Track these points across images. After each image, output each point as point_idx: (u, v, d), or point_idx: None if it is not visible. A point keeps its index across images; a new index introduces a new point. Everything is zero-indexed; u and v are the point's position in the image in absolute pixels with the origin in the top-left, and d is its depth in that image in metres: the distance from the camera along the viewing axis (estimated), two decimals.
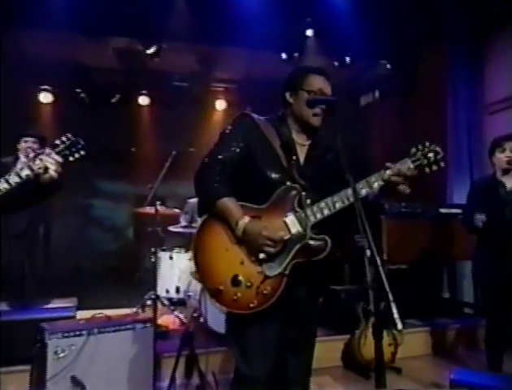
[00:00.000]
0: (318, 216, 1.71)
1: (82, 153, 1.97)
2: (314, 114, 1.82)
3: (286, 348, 1.83)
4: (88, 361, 2.66)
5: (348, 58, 6.21)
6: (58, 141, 1.91)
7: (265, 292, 1.65)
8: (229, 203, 1.69)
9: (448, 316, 4.37)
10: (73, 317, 3.01)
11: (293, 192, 1.73)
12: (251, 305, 1.65)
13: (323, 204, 1.72)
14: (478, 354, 3.77)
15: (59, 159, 1.90)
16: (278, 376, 1.85)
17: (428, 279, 4.37)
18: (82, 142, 1.98)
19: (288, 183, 1.75)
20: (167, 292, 3.97)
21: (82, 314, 3.05)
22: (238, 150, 1.78)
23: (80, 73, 6.51)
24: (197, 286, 3.72)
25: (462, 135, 5.00)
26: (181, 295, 3.94)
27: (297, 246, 1.70)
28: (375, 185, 1.76)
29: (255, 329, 1.71)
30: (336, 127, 1.78)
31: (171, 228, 4.27)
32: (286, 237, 1.69)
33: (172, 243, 4.29)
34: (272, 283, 1.66)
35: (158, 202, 3.78)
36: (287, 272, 1.68)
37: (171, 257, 4.03)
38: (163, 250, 3.93)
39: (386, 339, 3.51)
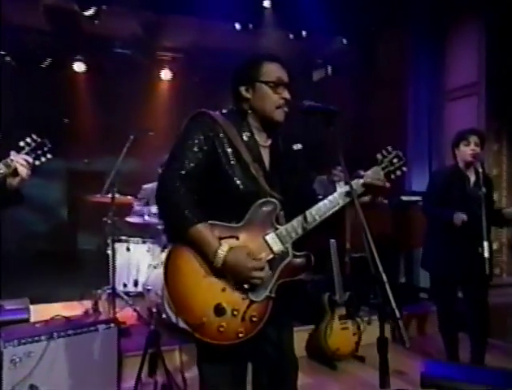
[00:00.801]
0: (299, 231, 1.68)
1: (49, 156, 1.90)
2: (278, 107, 1.73)
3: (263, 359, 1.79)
4: (49, 368, 2.62)
5: (304, 32, 6.27)
6: (22, 143, 1.82)
7: (253, 318, 1.59)
8: (203, 231, 1.56)
9: (405, 302, 4.70)
10: (27, 320, 2.90)
11: (269, 208, 1.66)
12: (240, 334, 1.57)
13: (302, 218, 1.68)
14: (434, 338, 4.11)
15: (30, 159, 1.82)
16: None
17: (387, 265, 4.62)
18: (49, 144, 1.90)
19: (260, 191, 1.68)
20: (125, 285, 3.91)
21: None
22: (201, 158, 1.64)
23: (5, 33, 6.00)
24: (157, 279, 3.70)
25: (422, 120, 5.28)
26: (140, 288, 3.90)
27: (281, 266, 1.65)
28: (360, 190, 1.78)
29: (228, 358, 1.66)
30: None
31: (129, 219, 4.17)
32: (269, 258, 1.64)
33: (128, 233, 4.20)
34: (259, 308, 1.60)
35: (114, 189, 3.66)
36: (273, 295, 1.63)
37: (128, 249, 3.95)
38: (119, 241, 3.84)
39: (351, 329, 3.75)
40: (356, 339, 3.74)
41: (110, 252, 3.78)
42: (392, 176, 1.85)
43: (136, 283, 3.92)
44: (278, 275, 1.64)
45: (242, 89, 1.75)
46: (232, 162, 1.67)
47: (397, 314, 1.39)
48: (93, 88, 7.17)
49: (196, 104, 6.10)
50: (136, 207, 4.31)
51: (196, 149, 1.64)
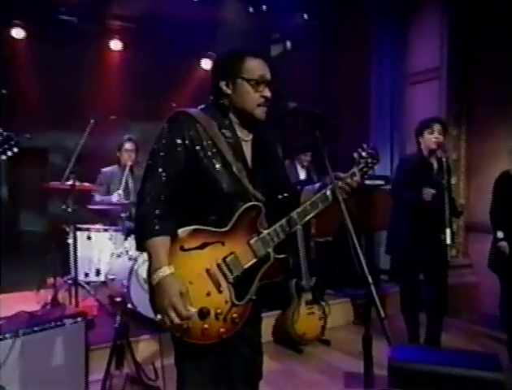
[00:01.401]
0: (281, 236, 1.76)
1: (15, 150, 1.88)
2: (259, 105, 1.75)
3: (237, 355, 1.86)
4: (14, 367, 2.61)
5: (264, 6, 6.27)
6: None
7: (234, 319, 1.69)
8: (159, 244, 1.60)
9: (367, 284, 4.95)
10: None
11: (254, 213, 1.73)
12: (222, 335, 1.68)
13: (284, 223, 1.76)
14: (394, 319, 4.41)
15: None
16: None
17: (348, 248, 4.84)
18: (15, 138, 1.88)
19: (243, 192, 1.74)
20: (86, 275, 3.89)
21: None
22: (182, 159, 1.67)
23: None
24: (122, 268, 3.72)
25: (384, 103, 5.49)
26: (102, 278, 3.90)
27: (263, 269, 1.74)
28: (330, 198, 1.84)
29: (209, 355, 1.74)
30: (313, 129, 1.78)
31: (91, 206, 4.12)
32: (252, 262, 1.73)
33: (89, 221, 4.15)
34: (240, 310, 1.70)
35: (72, 176, 3.59)
36: (254, 297, 1.72)
37: (89, 238, 3.92)
38: (80, 230, 3.80)
39: (317, 313, 3.95)
40: (322, 323, 3.96)
41: (70, 241, 3.74)
42: (365, 176, 1.93)
43: (98, 273, 3.91)
44: (259, 278, 1.74)
45: (222, 84, 1.75)
46: (215, 164, 1.70)
47: (382, 314, 1.52)
48: (35, 57, 6.82)
49: (148, 78, 5.99)
50: (97, 195, 4.26)
51: (176, 154, 1.67)
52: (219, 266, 1.68)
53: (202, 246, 1.67)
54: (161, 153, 1.68)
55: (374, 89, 5.59)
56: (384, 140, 5.48)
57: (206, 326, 1.64)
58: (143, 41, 7.08)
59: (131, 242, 3.94)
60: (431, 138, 3.56)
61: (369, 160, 1.92)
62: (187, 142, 1.69)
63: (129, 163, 4.35)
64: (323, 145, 1.70)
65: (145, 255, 3.55)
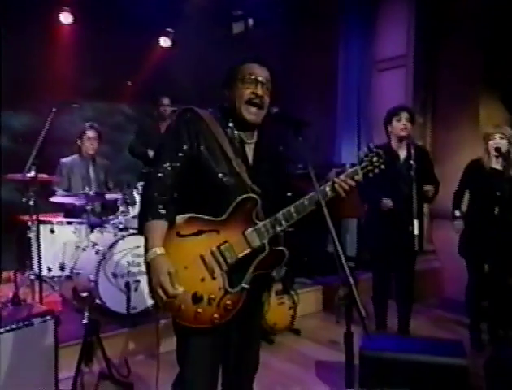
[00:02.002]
0: (277, 228, 1.88)
1: None
2: (247, 101, 1.91)
3: (232, 347, 2.02)
4: None
5: None
6: None
7: (227, 306, 1.81)
8: (156, 227, 1.75)
9: (332, 271, 5.16)
10: None
11: (250, 204, 1.87)
12: (215, 320, 1.80)
13: (280, 216, 1.88)
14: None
15: None
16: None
17: (315, 235, 5.08)
18: None
19: (242, 185, 1.89)
20: (49, 270, 3.89)
21: None
22: (186, 152, 1.86)
23: None
24: (88, 262, 3.75)
25: (351, 89, 5.66)
26: (67, 272, 3.91)
27: (258, 259, 1.86)
28: (329, 194, 1.96)
29: (206, 337, 1.87)
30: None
31: (53, 199, 4.08)
32: (246, 252, 1.85)
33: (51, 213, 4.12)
34: (233, 298, 1.82)
35: (33, 167, 3.56)
36: (248, 286, 1.84)
37: (52, 231, 3.91)
38: (42, 223, 3.78)
39: (287, 303, 4.12)
40: (292, 312, 4.13)
41: (32, 235, 3.73)
42: (371, 174, 2.03)
43: (62, 267, 3.91)
44: (253, 268, 1.86)
45: (225, 91, 1.98)
46: (216, 158, 1.88)
47: (363, 312, 1.64)
48: None
49: (101, 54, 5.80)
50: (58, 188, 4.23)
51: (181, 147, 1.86)
52: (213, 253, 1.82)
53: (198, 233, 1.81)
54: (168, 146, 1.89)
55: (341, 74, 5.74)
56: (350, 127, 5.66)
57: (199, 310, 1.78)
58: (96, 15, 6.86)
59: (97, 235, 3.97)
60: (399, 126, 3.74)
61: (374, 159, 2.02)
62: (192, 137, 1.87)
63: (91, 153, 4.32)
64: (308, 153, 1.82)
65: (112, 250, 3.64)
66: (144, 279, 3.78)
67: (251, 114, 1.93)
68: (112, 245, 3.68)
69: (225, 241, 1.83)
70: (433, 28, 5.16)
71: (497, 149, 3.69)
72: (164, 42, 6.94)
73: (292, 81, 6.53)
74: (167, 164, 1.84)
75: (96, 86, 5.91)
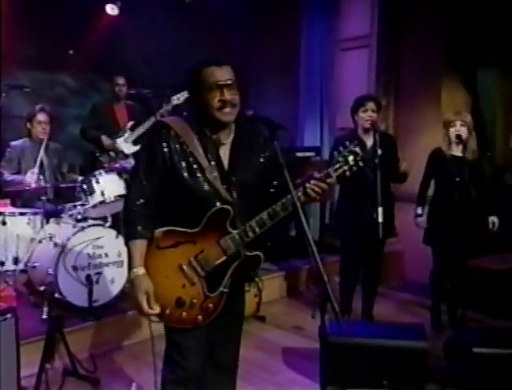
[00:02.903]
0: (251, 235, 2.06)
1: None
2: (219, 108, 2.02)
3: (215, 338, 2.25)
4: None
5: None
6: None
7: (209, 309, 2.08)
8: (137, 247, 2.02)
9: (297, 256, 5.45)
10: None
11: (224, 214, 2.05)
12: (197, 321, 2.08)
13: (254, 223, 2.05)
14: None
15: None
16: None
17: (280, 220, 5.25)
18: None
19: (216, 195, 2.05)
20: (2, 264, 3.92)
21: None
22: (161, 168, 2.05)
23: None
24: (45, 254, 3.81)
25: (314, 68, 5.83)
26: (21, 266, 3.95)
27: (233, 266, 2.08)
28: (302, 198, 2.09)
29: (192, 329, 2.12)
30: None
31: (8, 188, 4.09)
32: (222, 259, 2.06)
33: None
34: (213, 301, 2.08)
35: None
36: (226, 290, 2.09)
37: (3, 223, 3.93)
38: None
39: (252, 291, 4.34)
40: (257, 300, 4.36)
41: None
42: (347, 174, 2.11)
43: (16, 261, 3.95)
44: (230, 274, 2.09)
45: (193, 95, 2.13)
46: (189, 169, 2.05)
47: (337, 308, 1.86)
48: None
49: (40, 20, 5.53)
50: (5, 172, 4.22)
51: (156, 164, 2.05)
52: (190, 262, 2.05)
53: (175, 245, 2.05)
54: (142, 162, 2.10)
55: (303, 53, 5.90)
56: (313, 109, 5.87)
57: (183, 314, 2.05)
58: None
59: (53, 226, 4.02)
60: (364, 116, 3.99)
61: (350, 158, 2.11)
62: (165, 150, 2.04)
63: (43, 137, 4.33)
64: (282, 157, 1.99)
65: (72, 241, 3.74)
66: (106, 271, 3.92)
67: (226, 115, 2.06)
68: (71, 237, 3.76)
69: (201, 251, 2.05)
70: (396, 8, 5.39)
71: (458, 136, 3.99)
72: (111, 10, 6.70)
73: (251, 58, 6.65)
74: (145, 182, 2.05)
75: (33, 54, 5.64)
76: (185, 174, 2.05)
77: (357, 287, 4.30)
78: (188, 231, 2.05)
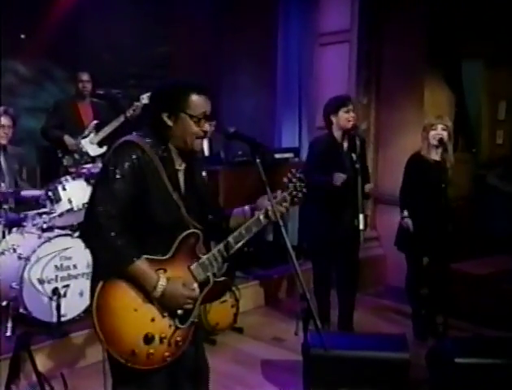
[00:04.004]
0: (219, 260, 2.22)
1: None
2: (198, 138, 2.17)
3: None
4: None
5: None
6: None
7: (178, 343, 2.13)
8: (142, 266, 2.03)
9: (275, 262, 5.61)
10: None
11: (193, 239, 2.17)
12: (167, 358, 2.11)
13: (222, 247, 2.22)
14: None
15: None
16: None
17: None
18: None
19: (183, 220, 2.17)
20: None
21: None
22: (130, 189, 2.05)
23: None
24: (7, 267, 3.87)
25: (292, 64, 5.99)
26: None
27: (204, 292, 2.20)
28: (263, 221, 2.28)
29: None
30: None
31: None
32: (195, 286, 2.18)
33: None
34: (183, 333, 2.15)
35: None
36: (197, 320, 2.21)
37: None
38: None
39: (229, 301, 4.50)
40: (234, 310, 4.52)
41: None
42: (296, 200, 2.35)
43: None
44: (200, 301, 2.22)
45: (164, 116, 2.14)
46: (157, 193, 2.11)
47: (319, 324, 2.07)
48: None
49: None
50: None
51: (123, 182, 2.04)
52: None
53: None
54: (109, 183, 2.04)
55: (280, 47, 6.05)
56: (291, 107, 6.04)
57: (151, 351, 2.09)
58: None
59: (16, 237, 4.08)
60: (347, 117, 4.15)
61: (298, 184, 2.35)
62: (133, 171, 2.05)
63: (4, 142, 4.39)
64: (264, 174, 2.16)
65: (37, 253, 3.80)
66: (74, 283, 4.01)
67: (198, 145, 2.23)
68: (37, 248, 3.84)
69: (183, 285, 2.11)
70: (378, 2, 5.59)
71: (440, 140, 4.21)
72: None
73: (224, 48, 6.75)
74: (116, 198, 2.02)
75: None
76: (153, 198, 2.09)
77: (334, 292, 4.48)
78: (158, 258, 2.11)
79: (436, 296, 4.50)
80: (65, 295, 3.93)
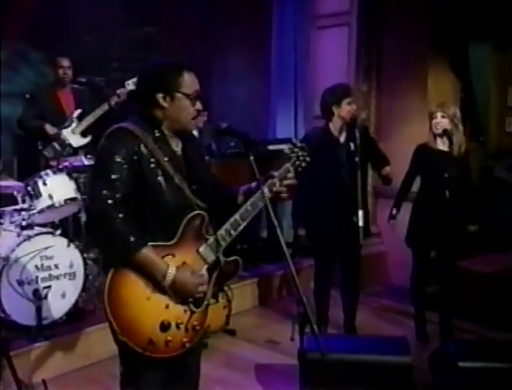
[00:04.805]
0: (227, 239, 2.28)
1: None
2: (193, 118, 2.27)
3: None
4: None
5: None
6: None
7: (195, 327, 2.22)
8: (149, 255, 2.10)
9: (269, 260, 5.65)
10: None
11: (199, 221, 2.24)
12: (185, 344, 2.19)
13: (228, 226, 2.29)
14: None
15: None
16: None
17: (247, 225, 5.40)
18: None
19: (187, 202, 2.25)
20: None
21: None
22: (130, 174, 2.12)
23: None
24: None
25: (287, 48, 5.98)
26: None
27: (215, 274, 2.30)
28: (269, 196, 2.38)
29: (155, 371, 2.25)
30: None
31: None
32: (204, 269, 2.26)
33: None
34: (199, 317, 2.24)
35: None
36: (211, 302, 2.31)
37: None
38: None
39: (221, 302, 4.52)
40: (226, 312, 4.52)
41: None
42: (299, 169, 2.48)
43: None
44: (213, 283, 2.31)
45: (159, 97, 2.21)
46: (158, 177, 2.18)
47: (316, 329, 2.15)
48: None
49: None
50: None
51: (122, 167, 2.11)
52: None
53: None
54: (106, 171, 2.11)
55: (275, 30, 6.04)
56: (286, 94, 6.03)
57: (169, 338, 2.16)
58: None
59: None
60: (350, 109, 4.17)
61: (300, 153, 2.47)
62: (130, 156, 2.13)
63: None
64: (257, 170, 2.22)
65: (16, 253, 3.82)
66: (56, 284, 4.03)
67: (194, 125, 2.36)
68: (16, 248, 3.84)
69: (183, 263, 2.20)
70: None
71: (438, 128, 4.24)
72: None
73: (215, 29, 6.72)
74: (117, 185, 2.09)
75: None
76: (153, 181, 2.17)
77: (333, 292, 4.52)
78: (166, 243, 2.19)
79: (448, 296, 4.47)
80: (46, 297, 3.95)
